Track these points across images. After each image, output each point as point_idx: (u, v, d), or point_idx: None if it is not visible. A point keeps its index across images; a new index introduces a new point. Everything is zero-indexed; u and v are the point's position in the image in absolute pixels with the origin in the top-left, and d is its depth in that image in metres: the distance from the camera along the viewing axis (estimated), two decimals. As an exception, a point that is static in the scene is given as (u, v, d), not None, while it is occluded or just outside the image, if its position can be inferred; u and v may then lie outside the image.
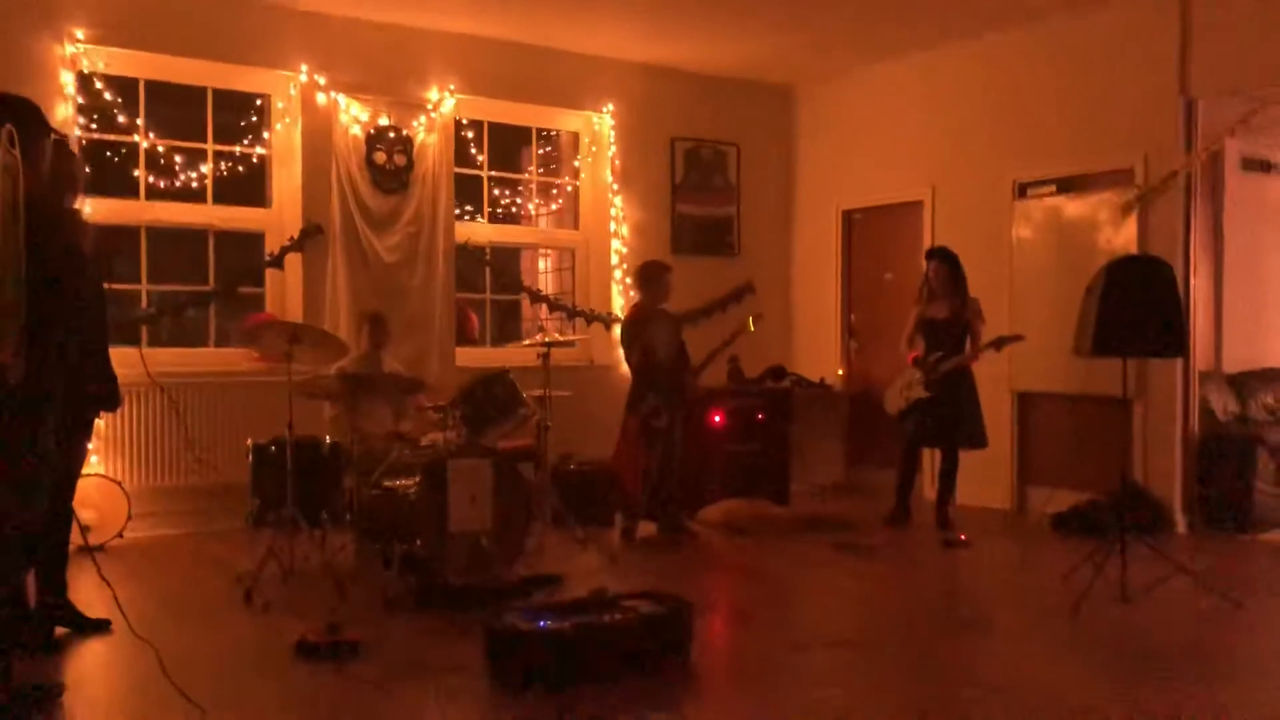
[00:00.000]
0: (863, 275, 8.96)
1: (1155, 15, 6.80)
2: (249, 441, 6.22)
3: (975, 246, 7.77)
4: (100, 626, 4.43)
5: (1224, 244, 7.25)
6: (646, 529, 6.60)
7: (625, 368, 6.73)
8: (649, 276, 6.73)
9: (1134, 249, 6.72)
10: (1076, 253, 7.06)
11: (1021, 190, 7.61)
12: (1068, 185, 7.35)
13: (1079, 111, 7.23)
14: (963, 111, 8.03)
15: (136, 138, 6.87)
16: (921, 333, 6.91)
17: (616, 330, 8.35)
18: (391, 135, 7.50)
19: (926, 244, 8.06)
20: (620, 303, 8.45)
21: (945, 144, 8.15)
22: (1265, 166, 7.57)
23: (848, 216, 9.04)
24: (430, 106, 7.67)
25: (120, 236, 6.95)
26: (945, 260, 6.88)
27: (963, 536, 6.44)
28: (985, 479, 7.59)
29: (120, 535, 6.24)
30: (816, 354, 9.14)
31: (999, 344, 6.62)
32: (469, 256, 7.96)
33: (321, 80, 7.25)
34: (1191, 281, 6.73)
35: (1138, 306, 4.89)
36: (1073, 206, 7.28)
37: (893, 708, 3.63)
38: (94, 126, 6.72)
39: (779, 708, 3.59)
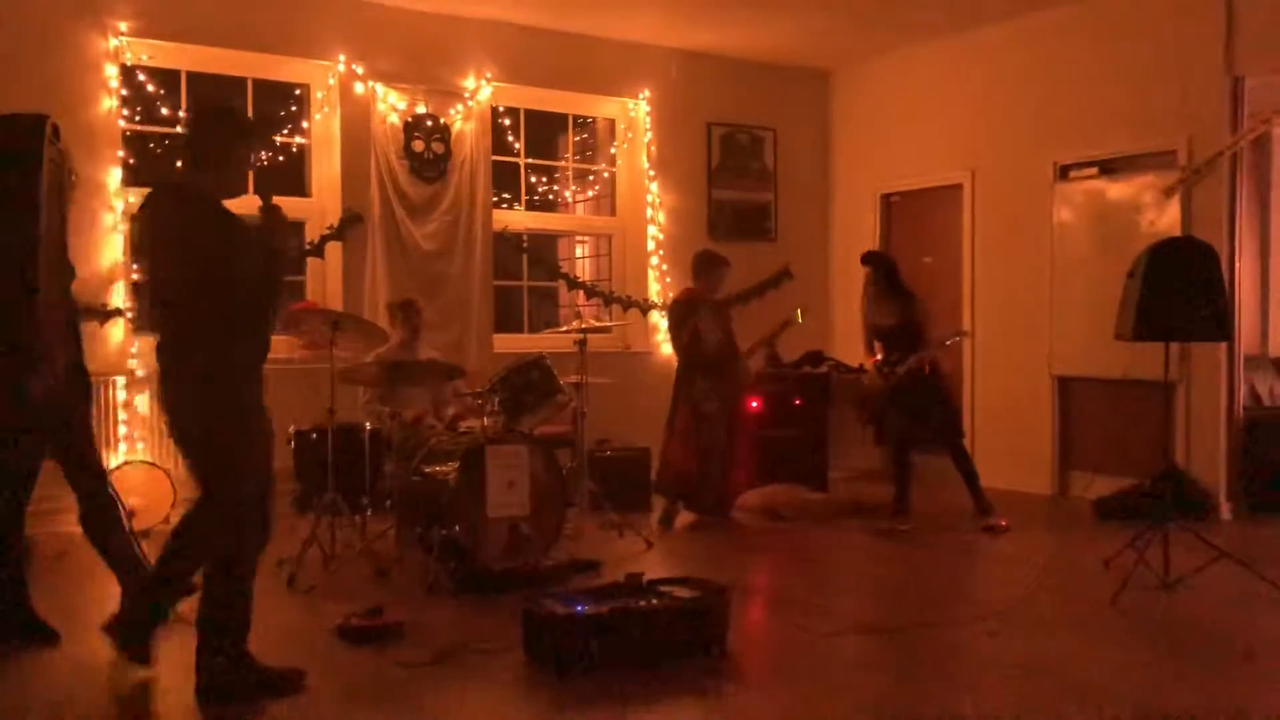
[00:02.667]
0: (901, 259, 8.82)
1: (1200, -8, 6.68)
2: (291, 428, 6.30)
3: (1016, 230, 7.71)
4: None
5: (1271, 226, 7.13)
6: (685, 516, 6.61)
7: (661, 353, 6.73)
8: (706, 265, 6.70)
9: (1178, 232, 6.62)
10: (1119, 236, 6.97)
11: (1063, 172, 7.51)
12: (1110, 167, 7.25)
13: (1121, 91, 7.12)
14: (1002, 93, 7.93)
15: (179, 129, 6.96)
16: (873, 337, 6.85)
17: (654, 315, 8.38)
18: (429, 124, 7.55)
19: (966, 228, 8.01)
20: (657, 289, 8.46)
21: (985, 126, 8.06)
22: (1314, 146, 7.43)
23: (886, 200, 8.98)
24: (467, 94, 7.70)
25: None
26: (877, 266, 6.81)
27: (1003, 522, 6.40)
28: (1026, 464, 7.55)
29: (166, 521, 6.35)
30: (855, 339, 9.02)
31: (942, 343, 6.64)
32: (506, 244, 8.00)
33: (359, 70, 7.30)
34: (1237, 264, 6.62)
35: (1181, 290, 4.82)
36: (1115, 189, 7.18)
37: (929, 695, 3.62)
38: (137, 118, 6.82)
39: (816, 693, 3.59)
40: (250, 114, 7.01)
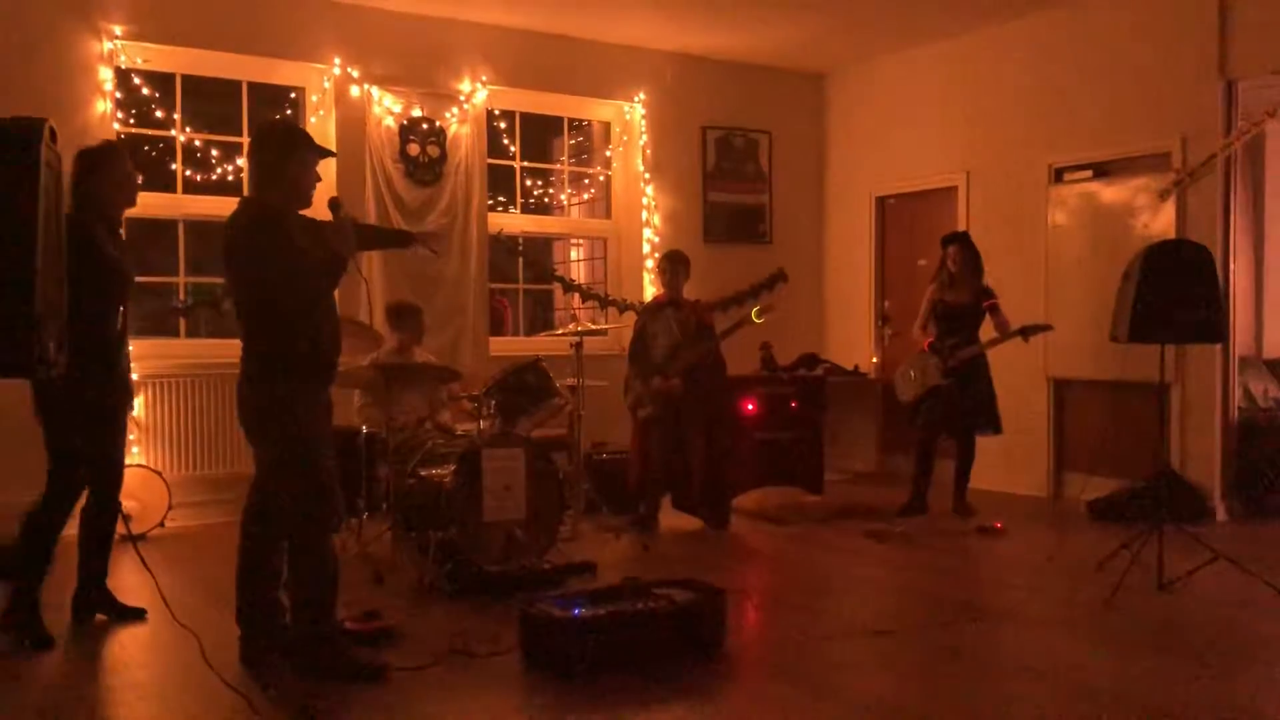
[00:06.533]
0: (896, 261, 8.91)
1: (1193, -5, 6.71)
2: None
3: (1010, 232, 7.72)
4: (135, 615, 4.53)
5: (1265, 228, 7.15)
6: (679, 521, 6.60)
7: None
8: (664, 268, 6.76)
9: (1172, 234, 6.64)
10: (1113, 238, 6.99)
11: (1057, 175, 7.53)
12: (1104, 170, 7.27)
13: (1115, 94, 7.14)
14: (997, 95, 7.96)
15: (173, 132, 6.96)
16: (936, 318, 6.85)
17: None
18: (424, 127, 7.55)
19: (961, 230, 8.00)
20: (652, 292, 8.45)
21: (979, 129, 8.08)
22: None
23: (881, 202, 9.00)
24: (463, 98, 7.70)
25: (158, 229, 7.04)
26: (966, 245, 6.83)
27: (998, 524, 6.41)
28: (1021, 466, 7.56)
29: (162, 524, 6.35)
30: (850, 341, 9.11)
31: (1026, 333, 6.56)
32: (502, 247, 8.00)
33: (355, 73, 7.30)
34: (1231, 266, 6.64)
35: (1176, 292, 4.83)
36: (1109, 191, 7.19)
37: (926, 696, 3.63)
38: (132, 122, 6.81)
39: (812, 696, 3.59)
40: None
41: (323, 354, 3.80)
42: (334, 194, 3.91)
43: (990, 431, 6.76)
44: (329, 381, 3.86)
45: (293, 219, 3.78)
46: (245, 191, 7.09)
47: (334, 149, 7.15)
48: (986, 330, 6.77)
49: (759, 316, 6.47)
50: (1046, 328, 6.63)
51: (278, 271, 3.64)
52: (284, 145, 3.84)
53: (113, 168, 4.37)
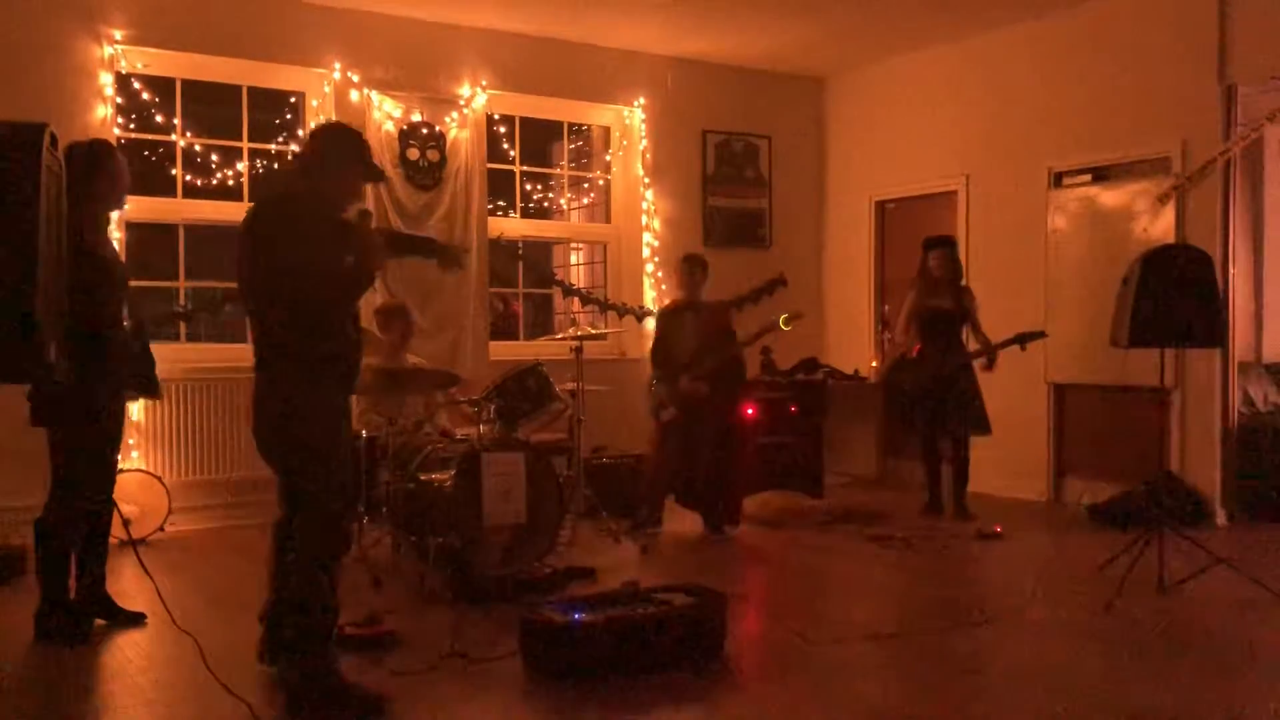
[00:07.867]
0: (896, 266, 8.91)
1: None
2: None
3: (1010, 237, 7.73)
4: (135, 620, 4.52)
5: (1264, 232, 7.15)
6: (692, 526, 6.59)
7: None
8: (682, 270, 6.73)
9: (1172, 238, 6.65)
10: (1112, 243, 6.99)
11: (1057, 179, 7.54)
12: (1103, 174, 7.27)
13: (1115, 99, 7.15)
14: (997, 100, 7.96)
15: (174, 137, 6.96)
16: (920, 324, 6.87)
17: (649, 322, 8.37)
18: (424, 131, 7.55)
19: (961, 234, 8.01)
20: (652, 296, 8.47)
21: (979, 133, 8.09)
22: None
23: (880, 207, 9.00)
24: (462, 102, 7.70)
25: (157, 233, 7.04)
26: (950, 250, 6.86)
27: (998, 528, 6.41)
28: (1021, 470, 7.55)
29: (161, 529, 6.34)
30: (850, 345, 9.11)
31: (1022, 340, 6.58)
32: (501, 251, 8.00)
33: (355, 77, 7.30)
34: (1230, 271, 6.64)
35: (1175, 296, 4.84)
36: (1109, 196, 7.20)
37: (927, 700, 3.63)
38: (132, 126, 6.81)
39: (813, 701, 3.59)
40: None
41: (348, 358, 3.62)
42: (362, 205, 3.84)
43: (980, 432, 6.80)
44: (351, 389, 3.70)
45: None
46: (247, 191, 7.18)
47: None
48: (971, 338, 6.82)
49: (787, 324, 6.48)
50: (1041, 335, 6.65)
51: (324, 260, 3.46)
52: (350, 150, 3.72)
53: (102, 167, 4.35)
